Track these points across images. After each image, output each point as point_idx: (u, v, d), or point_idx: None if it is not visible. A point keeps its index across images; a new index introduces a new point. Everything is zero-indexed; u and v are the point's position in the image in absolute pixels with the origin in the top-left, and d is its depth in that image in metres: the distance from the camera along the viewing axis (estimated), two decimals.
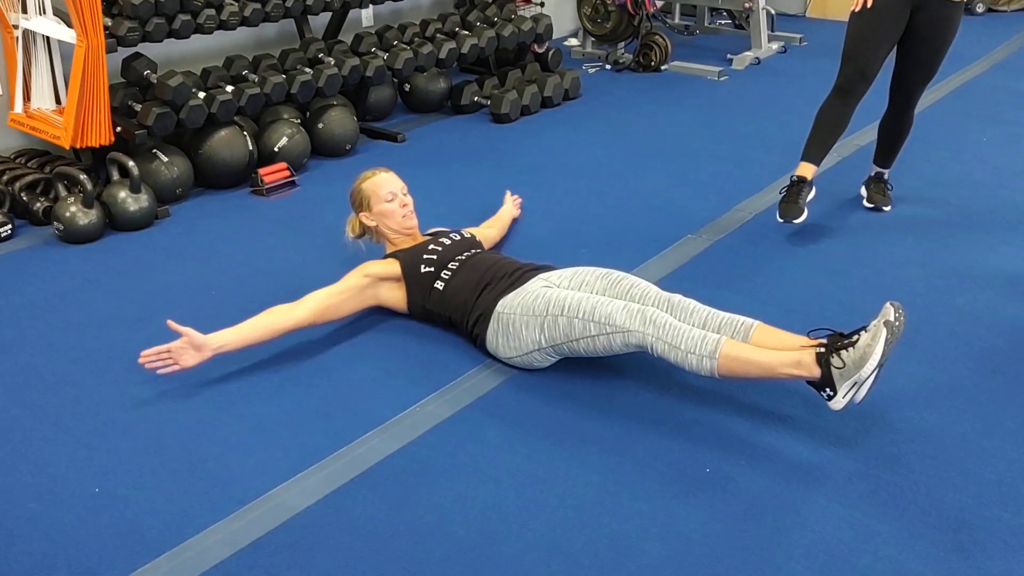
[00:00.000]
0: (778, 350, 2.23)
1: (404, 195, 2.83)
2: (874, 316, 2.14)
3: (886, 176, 3.60)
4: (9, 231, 3.30)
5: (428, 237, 2.82)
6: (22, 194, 3.40)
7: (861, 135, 4.31)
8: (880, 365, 2.08)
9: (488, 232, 3.11)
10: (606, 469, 2.14)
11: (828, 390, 2.15)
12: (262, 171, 3.73)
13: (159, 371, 2.33)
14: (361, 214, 2.85)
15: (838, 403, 2.15)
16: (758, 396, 2.38)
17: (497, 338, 2.49)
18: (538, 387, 2.45)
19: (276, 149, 3.86)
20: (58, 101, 3.63)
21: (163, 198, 3.56)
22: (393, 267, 2.69)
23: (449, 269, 2.65)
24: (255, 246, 3.30)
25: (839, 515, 1.99)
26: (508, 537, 1.94)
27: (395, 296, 2.72)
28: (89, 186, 3.25)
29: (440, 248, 2.70)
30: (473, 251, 2.73)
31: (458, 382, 2.48)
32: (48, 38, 3.52)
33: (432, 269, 2.65)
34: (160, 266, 3.14)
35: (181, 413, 2.34)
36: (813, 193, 3.27)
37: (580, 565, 1.86)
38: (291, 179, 3.82)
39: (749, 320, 2.33)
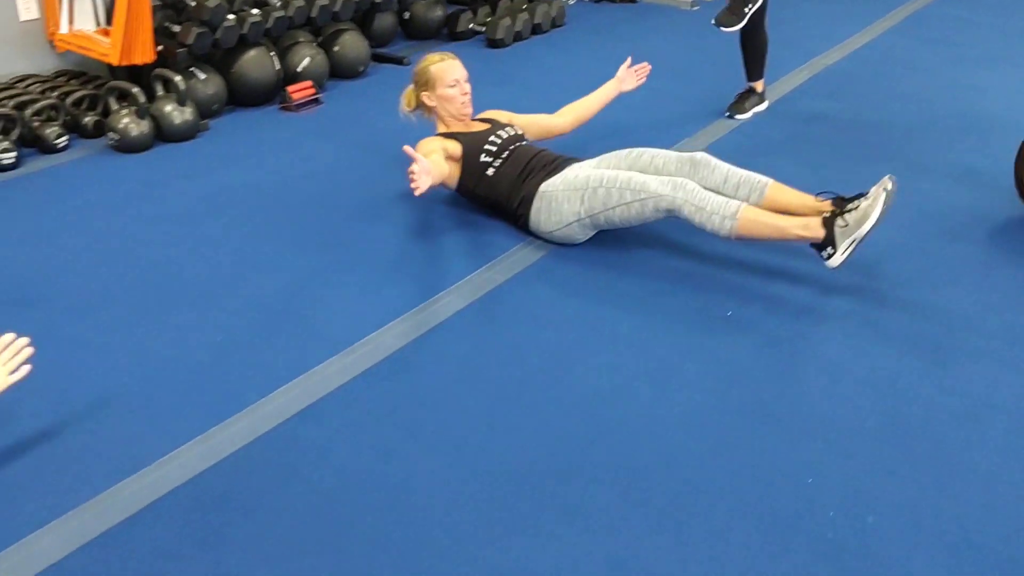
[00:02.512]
0: (788, 215, 2.66)
1: (466, 83, 3.07)
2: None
3: (757, 89, 4.04)
4: (66, 142, 3.57)
5: (484, 125, 3.11)
6: (73, 109, 3.67)
7: (828, 55, 4.76)
8: (875, 226, 2.51)
9: (556, 121, 3.32)
10: (644, 315, 2.56)
11: (829, 249, 2.58)
12: (290, 88, 4.03)
13: (415, 192, 2.49)
14: (423, 93, 3.08)
15: (836, 260, 2.58)
16: (767, 257, 2.81)
17: (540, 215, 2.88)
18: (577, 257, 2.85)
19: (299, 69, 4.15)
20: (97, 23, 3.88)
21: (201, 114, 3.84)
22: (456, 148, 2.98)
23: (500, 158, 2.98)
24: (295, 153, 3.62)
25: (840, 342, 2.44)
26: (573, 364, 2.35)
27: (447, 173, 2.96)
28: (142, 98, 3.53)
29: (499, 140, 3.01)
30: (519, 143, 3.06)
31: (506, 255, 2.87)
32: None
33: (489, 159, 2.97)
34: (215, 170, 3.45)
35: (277, 280, 2.69)
36: (764, 106, 4.06)
37: (637, 379, 2.28)
38: (315, 96, 4.13)
39: (765, 178, 2.76)
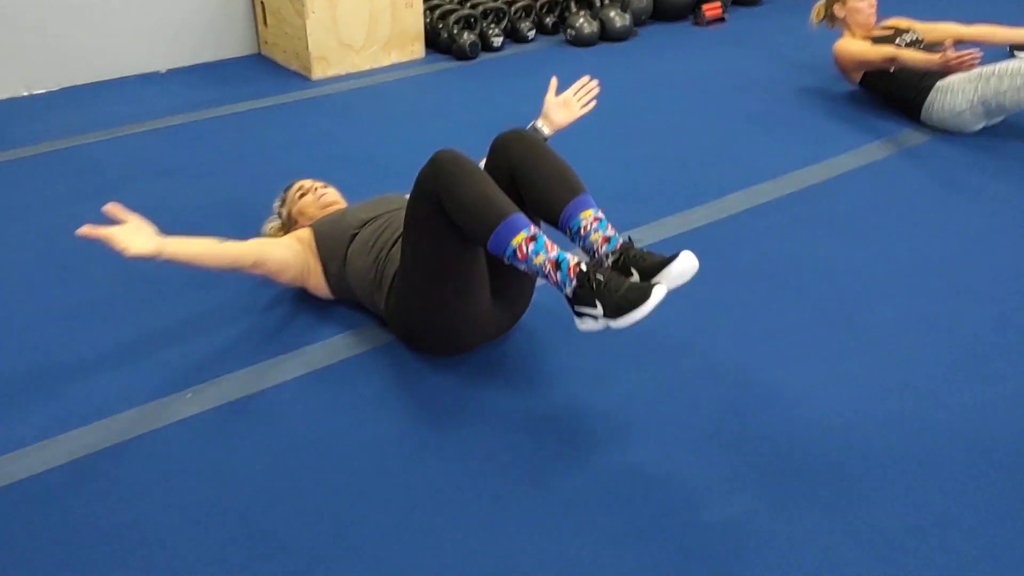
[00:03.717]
0: None
1: None
2: None
3: None
4: (534, 34, 4.62)
5: (887, 31, 3.74)
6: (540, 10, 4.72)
7: None
8: None
9: (952, 30, 3.77)
10: (989, 214, 3.07)
11: None
12: (704, 7, 4.84)
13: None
14: (835, 5, 3.78)
15: None
16: None
17: (934, 105, 3.46)
18: (960, 142, 3.42)
19: None
20: None
21: (634, 21, 4.75)
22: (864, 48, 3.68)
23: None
24: (709, 55, 4.44)
25: None
26: (950, 214, 2.95)
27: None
28: (597, 3, 4.49)
29: (901, 45, 3.64)
30: (918, 48, 3.64)
31: (894, 136, 3.49)
32: None
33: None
34: (646, 63, 4.35)
35: (710, 134, 3.51)
36: None
37: (1006, 231, 2.85)
38: (722, 15, 4.91)
39: None
